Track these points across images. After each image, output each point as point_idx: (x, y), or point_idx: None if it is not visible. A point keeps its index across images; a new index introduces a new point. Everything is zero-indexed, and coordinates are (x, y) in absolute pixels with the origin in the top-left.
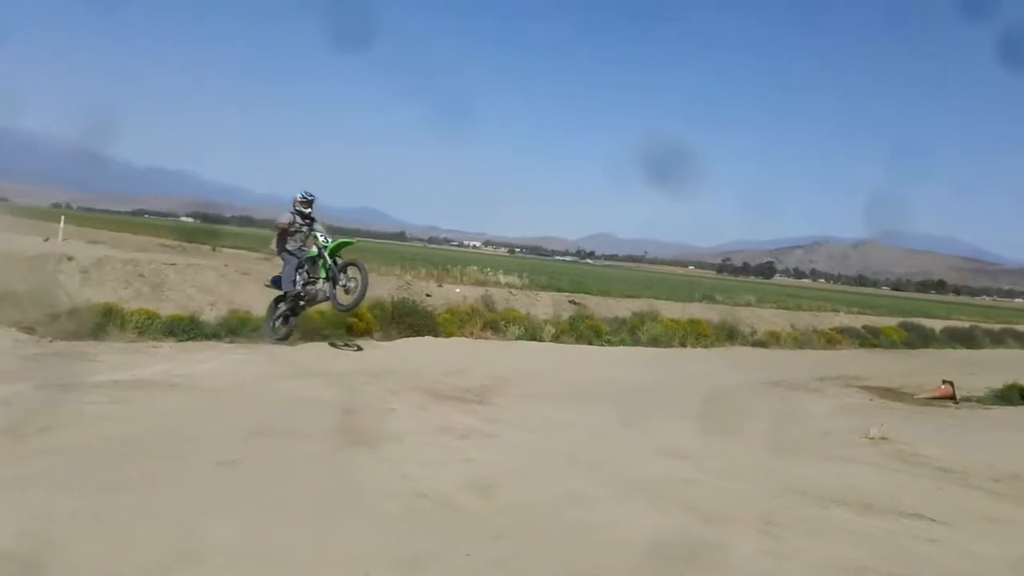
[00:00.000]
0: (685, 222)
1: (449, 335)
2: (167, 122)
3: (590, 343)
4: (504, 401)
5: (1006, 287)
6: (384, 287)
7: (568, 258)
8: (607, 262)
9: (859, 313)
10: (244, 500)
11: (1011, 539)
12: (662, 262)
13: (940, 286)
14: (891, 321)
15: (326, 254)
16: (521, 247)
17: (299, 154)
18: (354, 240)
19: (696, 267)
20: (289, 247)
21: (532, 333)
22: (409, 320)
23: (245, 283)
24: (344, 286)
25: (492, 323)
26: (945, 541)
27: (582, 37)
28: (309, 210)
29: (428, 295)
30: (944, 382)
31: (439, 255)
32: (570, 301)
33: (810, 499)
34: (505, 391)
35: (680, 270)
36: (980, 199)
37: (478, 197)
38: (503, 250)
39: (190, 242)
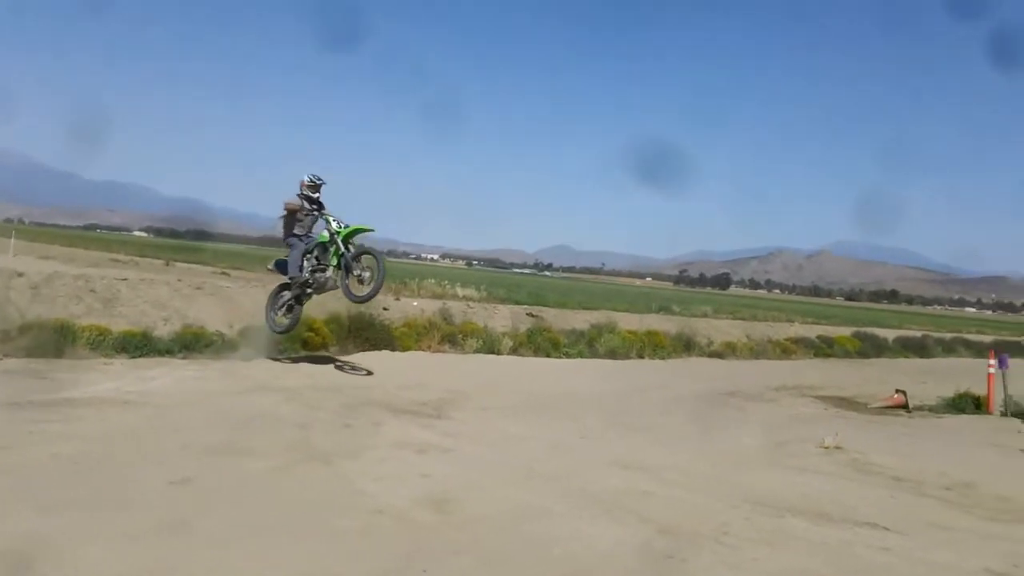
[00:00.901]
0: (643, 234)
1: (406, 349)
2: (121, 135)
3: (548, 355)
4: (462, 415)
5: (956, 297)
6: (340, 301)
7: (526, 270)
8: (565, 274)
9: (813, 323)
10: (197, 519)
11: (964, 548)
12: (620, 274)
13: (893, 296)
14: (845, 331)
15: (339, 240)
16: (479, 260)
17: (256, 168)
18: (371, 227)
19: (654, 279)
20: (296, 231)
21: (490, 346)
22: (366, 334)
23: (199, 298)
24: (358, 276)
25: (450, 336)
26: (899, 550)
27: (537, 48)
28: (317, 194)
29: (385, 308)
30: (897, 391)
31: (397, 268)
32: (528, 314)
33: (766, 509)
34: (463, 405)
35: (638, 282)
36: (932, 211)
37: (436, 210)
38: (461, 263)
39: (143, 256)
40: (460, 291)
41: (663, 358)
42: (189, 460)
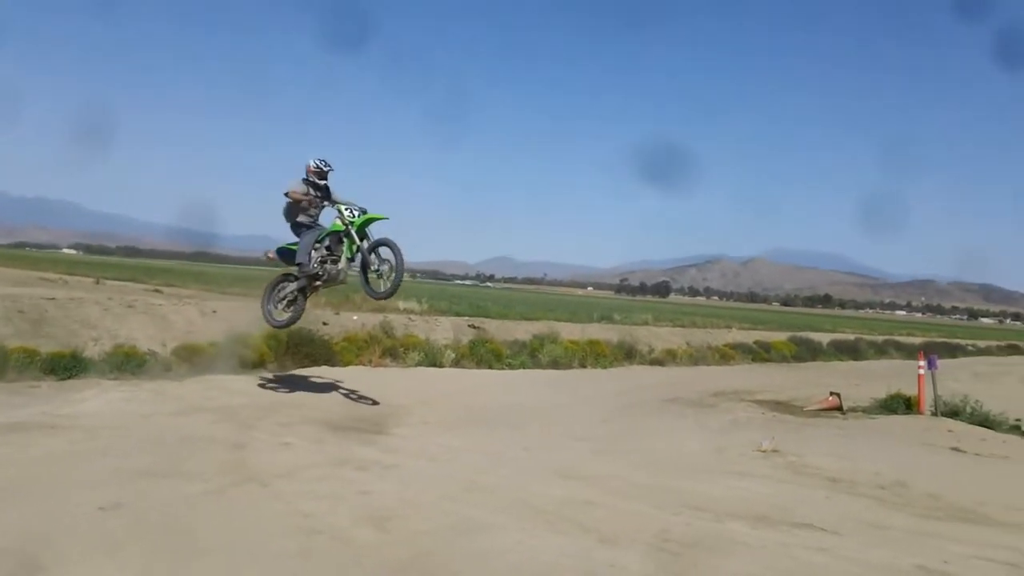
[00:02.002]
0: (584, 244)
1: (347, 364)
2: (47, 150)
3: (490, 367)
4: (403, 430)
5: (888, 300)
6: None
7: (468, 282)
8: (507, 285)
9: (751, 328)
10: (128, 545)
11: (898, 546)
12: (561, 284)
13: (826, 300)
14: (781, 335)
15: (353, 231)
16: (420, 272)
17: (187, 182)
18: (384, 215)
19: (595, 288)
20: (301, 220)
21: (432, 359)
22: (305, 350)
23: (130, 316)
24: (377, 270)
25: (391, 350)
26: (835, 550)
27: (480, 58)
28: (324, 182)
29: (325, 323)
30: (831, 393)
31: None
32: (470, 325)
33: (706, 514)
34: (404, 419)
35: (579, 291)
36: (863, 217)
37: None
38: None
39: (72, 274)
40: (401, 304)
41: (605, 367)
42: (120, 484)
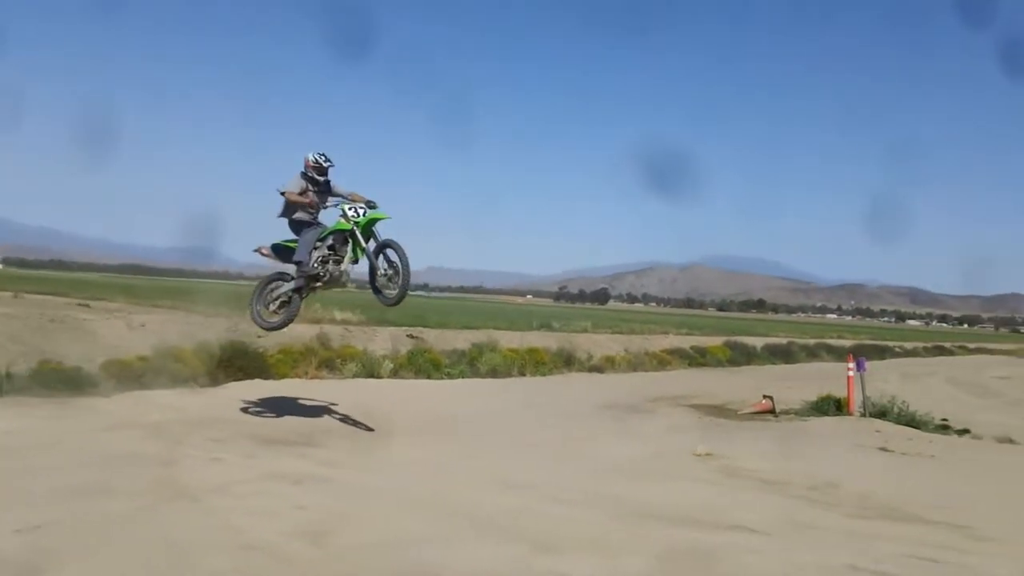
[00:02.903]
0: (522, 252)
1: (282, 376)
2: None
3: (429, 377)
4: (339, 442)
5: (819, 304)
6: (211, 329)
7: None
8: (444, 293)
9: (687, 334)
10: (51, 569)
11: (828, 546)
12: (501, 292)
13: (760, 305)
14: (717, 340)
15: (359, 232)
16: (357, 282)
17: (114, 193)
18: (387, 214)
19: (534, 295)
20: (300, 217)
21: (370, 370)
22: (239, 363)
23: (57, 332)
24: (384, 274)
25: (328, 361)
26: (767, 551)
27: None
28: (325, 177)
29: (259, 336)
30: (765, 397)
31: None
32: (408, 335)
33: (642, 519)
34: (340, 432)
35: (519, 299)
36: (795, 223)
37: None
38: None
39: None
40: (338, 314)
41: (544, 375)
42: (42, 505)
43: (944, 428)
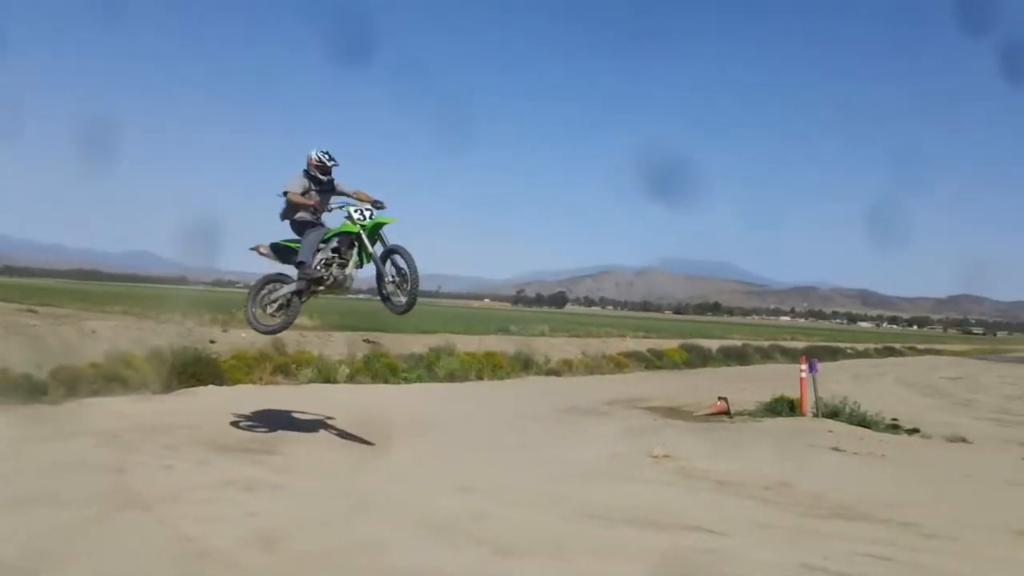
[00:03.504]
0: (479, 256)
1: (236, 382)
2: None
3: (386, 381)
4: (294, 449)
5: (773, 306)
6: (162, 336)
7: (361, 296)
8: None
9: (644, 337)
10: None
11: (782, 545)
12: (458, 296)
13: (716, 308)
14: (673, 343)
15: (365, 236)
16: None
17: (55, 195)
18: (394, 218)
19: (492, 299)
20: (302, 217)
21: (325, 375)
22: (191, 369)
23: (3, 338)
24: (392, 281)
25: (282, 367)
26: (722, 551)
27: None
28: (328, 177)
29: (212, 341)
30: (720, 398)
31: (225, 298)
32: (365, 340)
33: (599, 521)
34: (295, 438)
35: (476, 303)
36: (750, 227)
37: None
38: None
39: None
40: None
41: (502, 378)
42: None
43: (895, 428)
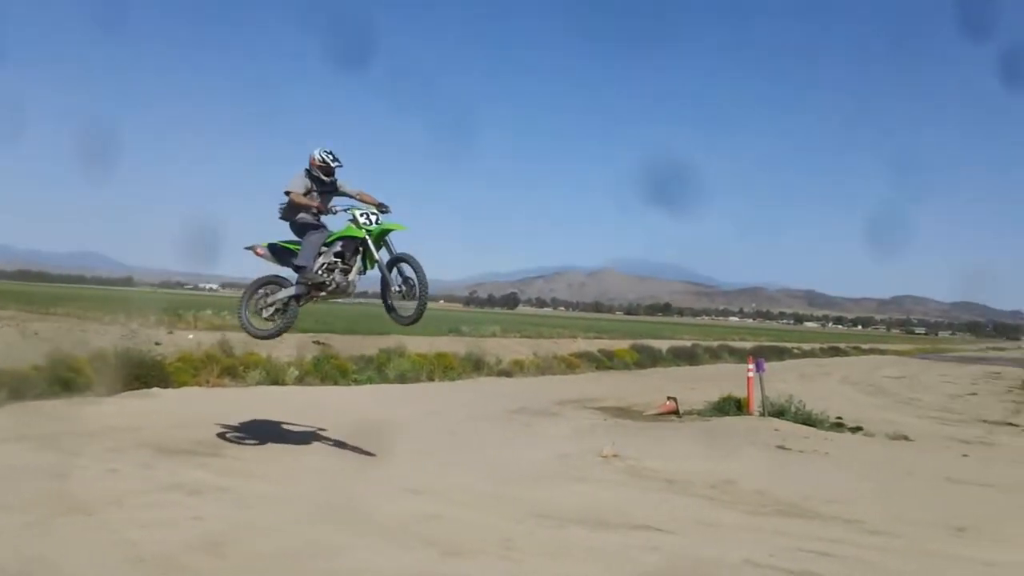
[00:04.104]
0: (432, 257)
1: (182, 384)
2: None
3: (336, 383)
4: (241, 451)
5: (722, 307)
6: (106, 337)
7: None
8: (354, 300)
9: (595, 338)
10: None
11: (727, 542)
12: None
13: (667, 309)
14: (624, 344)
15: (371, 241)
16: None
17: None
18: (404, 225)
19: (444, 300)
20: (303, 218)
21: (274, 377)
22: (136, 371)
23: None
24: (399, 291)
25: (230, 369)
26: (669, 549)
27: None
28: (331, 178)
29: (157, 343)
30: (669, 398)
31: (171, 300)
32: (315, 342)
33: (549, 521)
34: (242, 440)
35: (430, 304)
36: (699, 229)
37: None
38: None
39: None
40: None
41: (453, 379)
42: None
43: (839, 426)
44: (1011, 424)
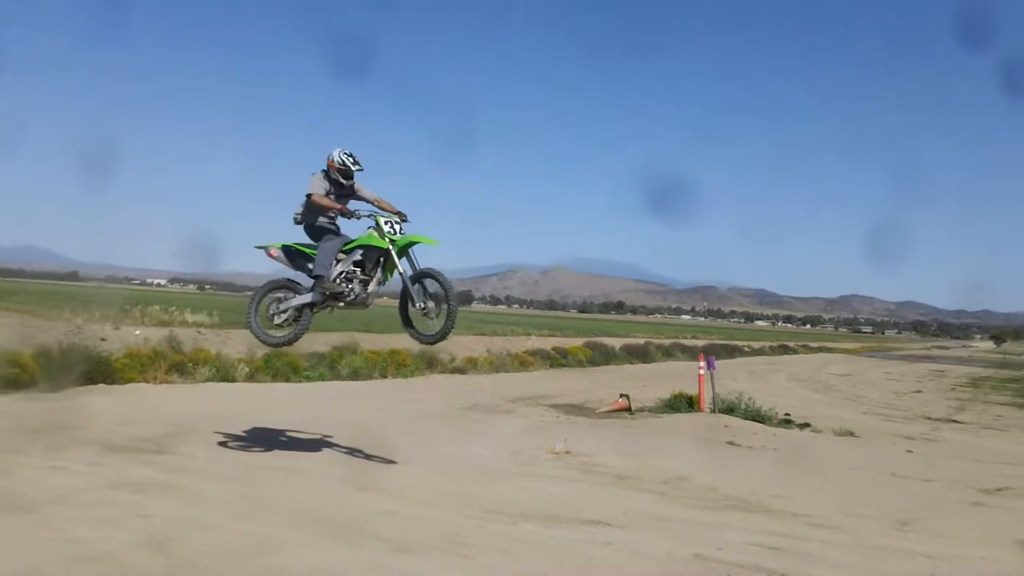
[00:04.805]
0: None
1: (128, 381)
2: None
3: (288, 380)
4: (189, 449)
5: (674, 305)
6: (51, 333)
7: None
8: None
9: (549, 335)
10: None
11: (677, 536)
12: None
13: (620, 307)
14: (577, 341)
15: (394, 252)
16: (213, 284)
17: None
18: (435, 240)
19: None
20: (321, 223)
21: (224, 373)
22: (82, 367)
23: None
24: (423, 308)
25: (178, 365)
26: (620, 544)
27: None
28: (350, 182)
29: (103, 339)
30: (621, 395)
31: (118, 295)
32: None
33: (500, 517)
34: (189, 438)
35: (383, 302)
36: (653, 228)
37: (162, 230)
38: (192, 287)
39: None
40: (190, 317)
41: (406, 376)
42: None
43: (787, 423)
44: (954, 421)
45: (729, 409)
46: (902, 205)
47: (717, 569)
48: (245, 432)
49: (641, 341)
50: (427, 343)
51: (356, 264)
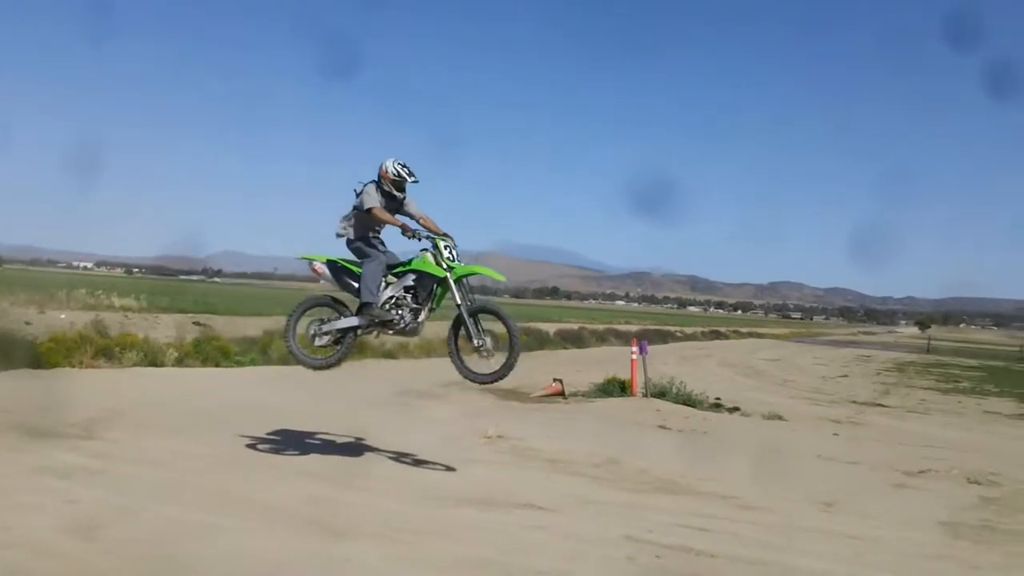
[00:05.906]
0: (317, 238)
1: (53, 365)
2: None
3: (218, 365)
4: (115, 434)
5: (609, 291)
6: None
7: (195, 277)
8: (237, 280)
9: None
10: None
11: (608, 519)
12: (294, 278)
13: (554, 292)
14: None
15: (451, 280)
16: (141, 267)
17: None
18: (499, 274)
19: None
20: (366, 239)
21: (152, 358)
22: (3, 352)
23: None
24: (481, 346)
25: (105, 350)
26: (552, 527)
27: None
28: (402, 195)
29: (27, 323)
30: (555, 380)
31: (42, 278)
32: (195, 323)
33: (435, 501)
34: (117, 423)
35: (313, 285)
36: (587, 214)
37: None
38: (119, 270)
39: None
40: (117, 301)
41: None
42: None
43: (717, 407)
44: (879, 405)
45: (661, 393)
46: (833, 192)
47: (648, 550)
48: (174, 417)
49: (575, 326)
50: (479, 382)
51: (407, 289)
